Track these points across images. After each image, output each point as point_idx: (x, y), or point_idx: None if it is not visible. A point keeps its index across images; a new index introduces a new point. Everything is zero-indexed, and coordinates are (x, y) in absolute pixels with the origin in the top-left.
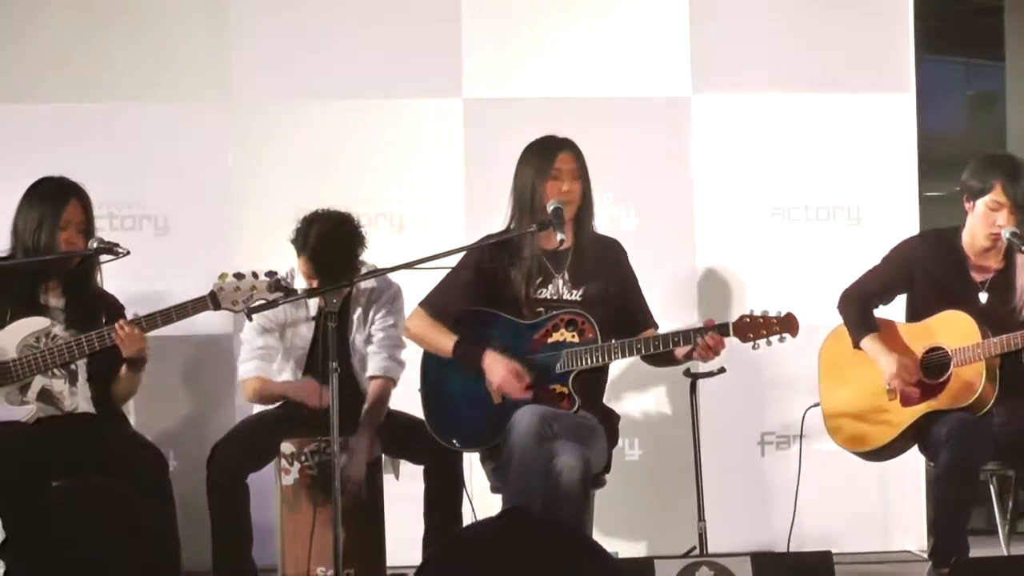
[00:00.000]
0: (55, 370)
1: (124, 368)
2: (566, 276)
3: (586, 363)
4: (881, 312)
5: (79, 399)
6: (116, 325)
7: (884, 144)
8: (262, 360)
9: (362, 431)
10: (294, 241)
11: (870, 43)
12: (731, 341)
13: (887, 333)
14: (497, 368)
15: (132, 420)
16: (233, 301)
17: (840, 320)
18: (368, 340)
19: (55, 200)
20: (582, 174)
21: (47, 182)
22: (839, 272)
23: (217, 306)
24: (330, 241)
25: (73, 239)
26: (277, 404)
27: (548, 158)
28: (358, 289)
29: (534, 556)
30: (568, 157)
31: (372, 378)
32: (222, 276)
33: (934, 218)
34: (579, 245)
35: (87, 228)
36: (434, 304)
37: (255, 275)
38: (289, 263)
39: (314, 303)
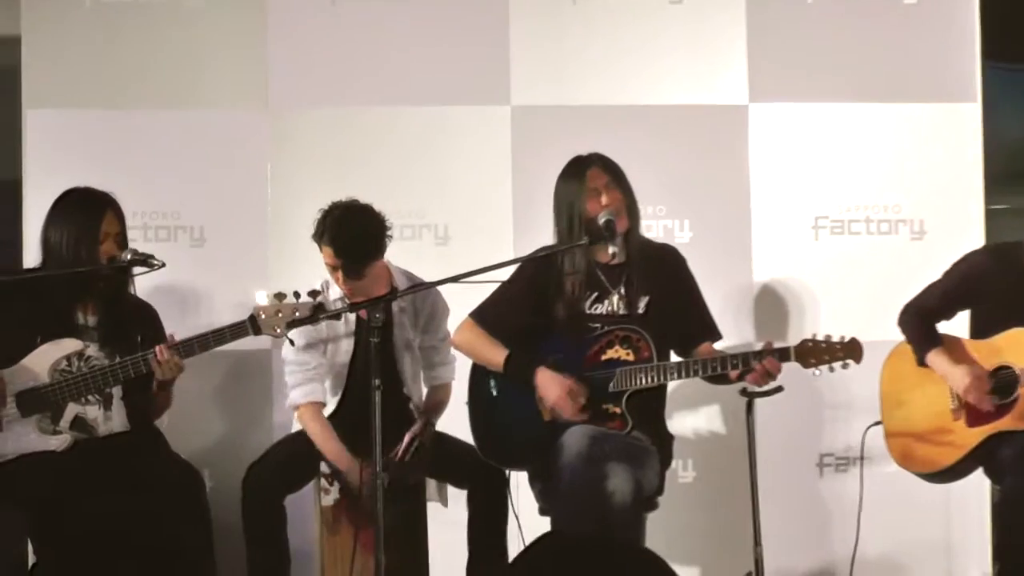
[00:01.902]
0: (89, 396)
1: (155, 387)
2: (621, 291)
3: (640, 383)
4: (945, 329)
5: (114, 423)
6: (156, 350)
7: (948, 155)
8: (316, 382)
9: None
10: (314, 235)
11: (934, 51)
12: (790, 363)
13: (954, 348)
14: (551, 386)
15: (167, 438)
16: (274, 326)
17: (902, 337)
18: (425, 352)
19: (92, 212)
20: (617, 183)
21: (77, 193)
22: (901, 287)
23: (257, 331)
24: (351, 223)
25: (112, 252)
26: None
27: (579, 179)
28: (401, 303)
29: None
30: (596, 172)
31: (435, 387)
32: (261, 294)
33: (1000, 232)
34: (632, 256)
35: (123, 240)
36: (484, 317)
37: (297, 295)
38: (323, 275)
39: (353, 316)
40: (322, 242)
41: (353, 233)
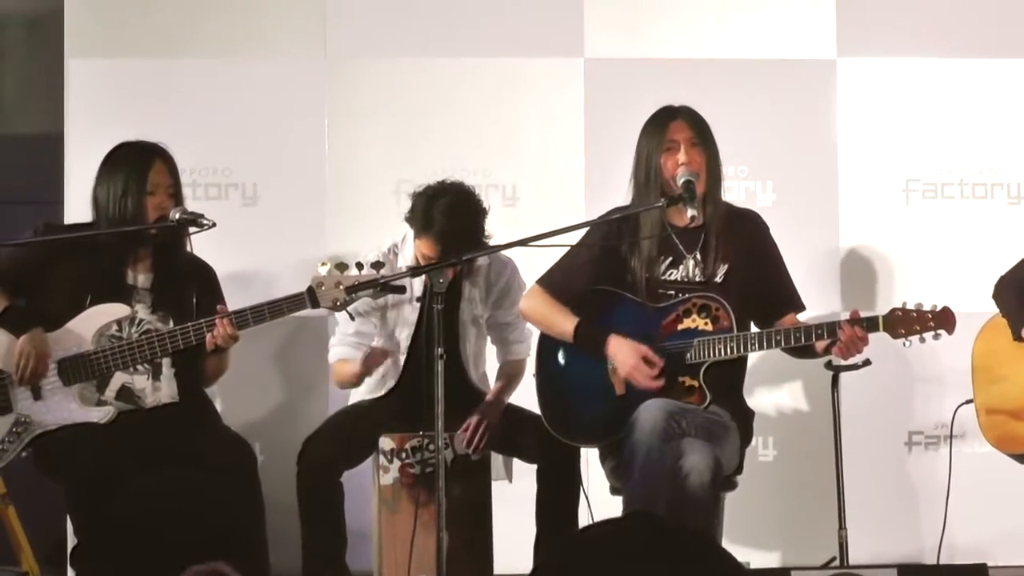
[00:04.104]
0: (138, 366)
1: (209, 350)
2: (698, 256)
3: (720, 354)
4: None
5: (163, 394)
6: (218, 323)
7: None
8: (352, 348)
9: (495, 401)
10: (411, 220)
11: None
12: (878, 334)
13: None
14: (624, 353)
15: (219, 409)
16: (334, 299)
17: (996, 310)
18: (500, 328)
19: (139, 162)
20: (702, 140)
21: (126, 146)
22: (996, 256)
23: (315, 304)
24: (461, 216)
25: (163, 204)
26: (376, 395)
27: (660, 129)
28: (471, 267)
29: (659, 563)
30: (681, 125)
31: (507, 361)
32: (322, 265)
33: None
34: (711, 221)
35: (176, 192)
36: (554, 283)
37: (360, 266)
38: (390, 237)
39: (419, 282)
40: (425, 231)
41: (463, 227)
